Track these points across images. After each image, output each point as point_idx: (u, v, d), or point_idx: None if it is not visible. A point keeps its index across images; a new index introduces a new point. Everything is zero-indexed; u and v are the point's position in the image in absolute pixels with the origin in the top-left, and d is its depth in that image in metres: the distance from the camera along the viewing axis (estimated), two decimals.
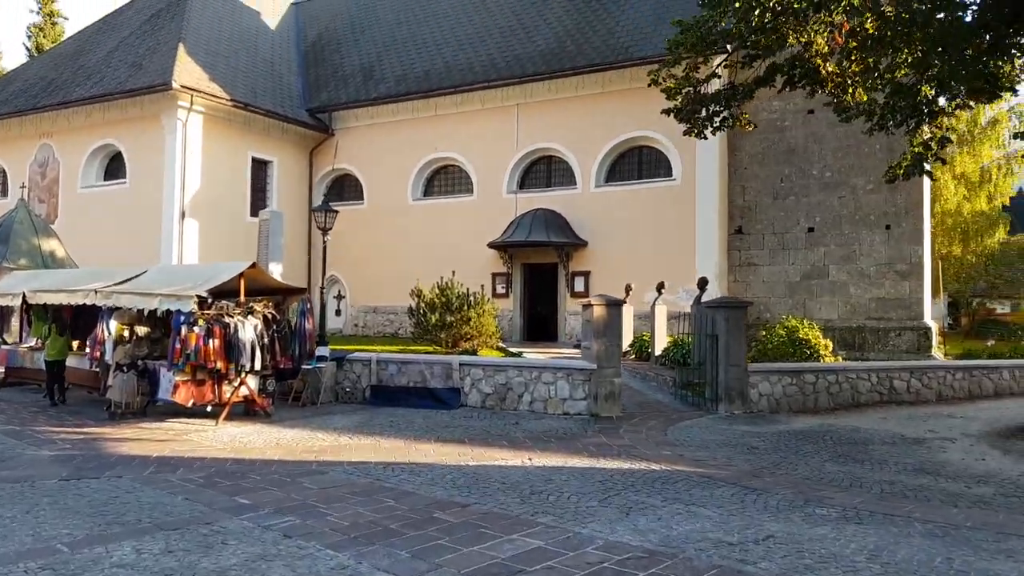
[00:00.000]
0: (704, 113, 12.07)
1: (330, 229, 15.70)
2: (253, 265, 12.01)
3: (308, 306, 12.83)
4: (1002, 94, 13.39)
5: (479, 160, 23.21)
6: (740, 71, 11.52)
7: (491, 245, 22.03)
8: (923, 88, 11.63)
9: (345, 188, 26.08)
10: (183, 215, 21.49)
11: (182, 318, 11.18)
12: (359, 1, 30.95)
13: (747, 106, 21.15)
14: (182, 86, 20.90)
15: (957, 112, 16.70)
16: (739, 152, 21.38)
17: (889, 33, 9.76)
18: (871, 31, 10.31)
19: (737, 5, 10.20)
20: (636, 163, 21.59)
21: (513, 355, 17.00)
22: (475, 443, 10.09)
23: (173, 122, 21.43)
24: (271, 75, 25.83)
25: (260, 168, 24.10)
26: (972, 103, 13.34)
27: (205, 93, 21.61)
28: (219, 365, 11.26)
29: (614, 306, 12.61)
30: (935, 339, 19.67)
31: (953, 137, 21.70)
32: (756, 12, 10.09)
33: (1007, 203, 40.00)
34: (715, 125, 12.30)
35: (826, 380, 13.97)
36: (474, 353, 16.62)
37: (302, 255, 24.82)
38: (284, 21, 29.99)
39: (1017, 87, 12.65)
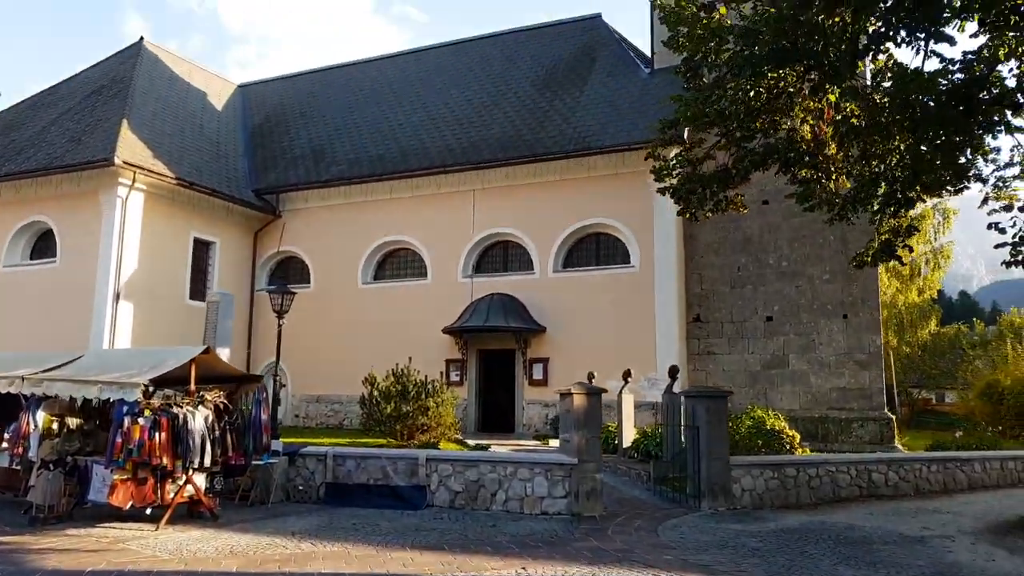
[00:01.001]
0: (703, 193, 11.86)
1: (286, 312, 14.73)
2: (207, 350, 10.96)
3: (264, 395, 11.76)
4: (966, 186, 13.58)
5: (434, 244, 22.69)
6: (731, 154, 11.36)
7: (446, 330, 21.28)
8: (899, 176, 11.72)
9: (290, 271, 25.08)
10: (117, 297, 20.12)
11: (125, 408, 10.02)
12: (308, 85, 30.83)
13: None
14: (124, 162, 19.92)
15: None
16: (695, 241, 21.48)
17: (884, 118, 9.75)
18: (856, 121, 10.32)
19: (731, 87, 10.11)
20: (594, 249, 21.41)
21: (473, 448, 16.04)
22: (456, 550, 9.10)
23: (112, 199, 20.31)
24: (217, 155, 25.06)
25: (202, 249, 22.99)
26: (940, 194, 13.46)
27: (148, 170, 20.64)
28: (164, 461, 10.05)
29: (595, 395, 11.95)
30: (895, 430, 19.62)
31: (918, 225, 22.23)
32: (752, 94, 9.99)
33: (935, 296, 41.64)
34: (709, 207, 12.08)
35: (807, 474, 13.49)
36: (435, 446, 15.61)
37: (243, 340, 23.54)
38: (231, 102, 29.48)
39: (978, 180, 12.90)
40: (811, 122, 10.72)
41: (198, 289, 22.42)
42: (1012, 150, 12.51)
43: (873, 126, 10.02)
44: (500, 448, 15.90)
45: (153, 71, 25.88)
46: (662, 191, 12.28)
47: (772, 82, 9.86)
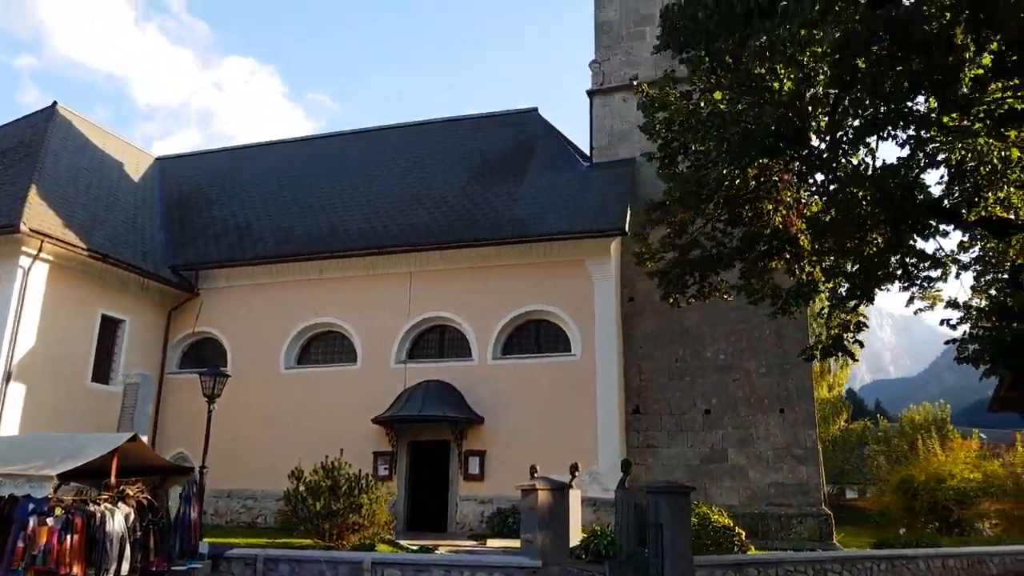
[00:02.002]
0: (691, 277, 11.62)
1: (218, 396, 13.43)
2: (134, 438, 9.63)
3: (194, 490, 10.42)
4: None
5: (366, 327, 21.68)
6: (715, 239, 11.24)
7: (377, 420, 20.08)
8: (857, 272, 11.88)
9: (205, 353, 23.41)
10: (8, 377, 18.11)
11: (31, 506, 8.57)
12: (231, 160, 29.82)
13: (642, 287, 21.50)
14: (32, 230, 18.31)
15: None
16: (634, 331, 21.35)
17: (863, 211, 9.82)
18: (832, 215, 10.40)
19: (719, 173, 10.03)
20: (534, 336, 20.93)
21: (418, 550, 14.80)
22: None
23: (13, 270, 18.55)
24: (133, 228, 23.55)
25: (110, 327, 21.18)
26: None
27: (58, 240, 19.04)
28: (75, 570, 8.58)
29: (560, 491, 11.23)
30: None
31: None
32: (738, 181, 9.92)
33: (843, 392, 43.10)
34: (692, 292, 11.84)
35: (767, 573, 12.99)
36: (370, 548, 14.30)
37: (148, 428, 21.52)
38: (148, 174, 28.04)
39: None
40: (783, 212, 10.76)
41: (103, 371, 20.54)
42: (935, 252, 12.95)
43: (850, 219, 10.10)
44: (440, 550, 14.73)
45: (66, 137, 24.38)
46: (651, 275, 11.99)
47: (758, 170, 9.83)
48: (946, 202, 10.97)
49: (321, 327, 22.47)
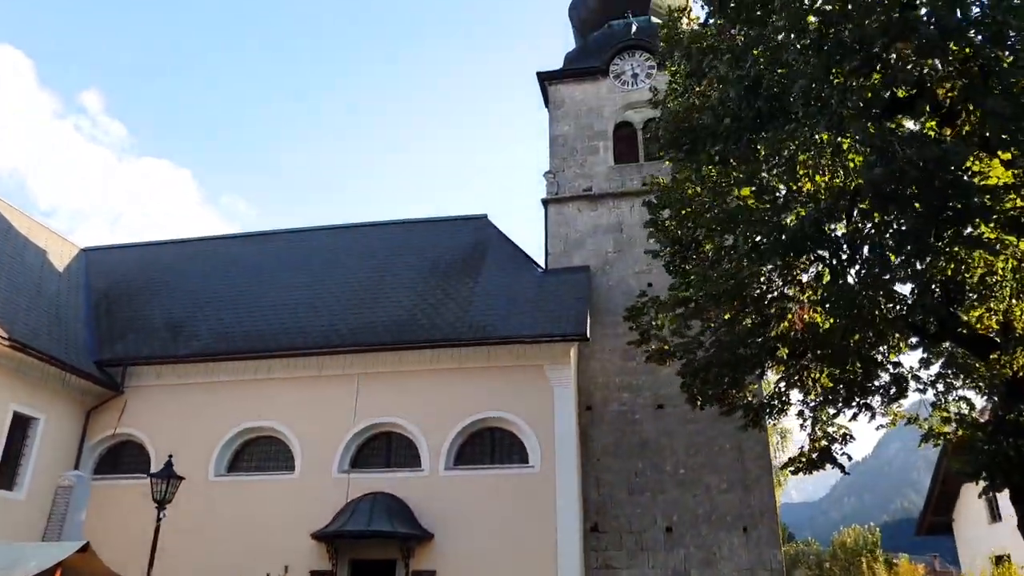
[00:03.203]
0: (718, 379, 11.16)
1: (169, 501, 11.95)
2: (85, 547, 8.23)
3: None
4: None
5: (306, 432, 20.25)
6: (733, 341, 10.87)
7: (317, 536, 18.41)
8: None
9: (124, 457, 21.40)
10: None
11: None
12: (163, 254, 28.46)
13: (599, 396, 20.99)
14: None
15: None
16: (592, 442, 20.66)
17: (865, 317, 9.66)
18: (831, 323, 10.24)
19: (748, 270, 9.73)
20: (490, 446, 19.93)
21: None
22: None
23: None
24: (57, 320, 21.84)
25: (21, 426, 19.14)
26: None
27: None
28: None
29: None
30: None
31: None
32: (763, 279, 9.67)
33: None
34: (713, 394, 11.36)
35: None
36: None
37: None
38: (74, 265, 26.44)
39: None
40: (791, 317, 10.56)
41: (7, 475, 18.34)
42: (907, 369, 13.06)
43: (852, 326, 9.95)
44: None
45: None
46: (681, 374, 11.52)
47: (781, 268, 9.64)
48: (924, 317, 11.02)
49: (257, 431, 20.91)
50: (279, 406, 20.74)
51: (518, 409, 19.61)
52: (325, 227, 28.42)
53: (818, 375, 12.06)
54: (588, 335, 19.55)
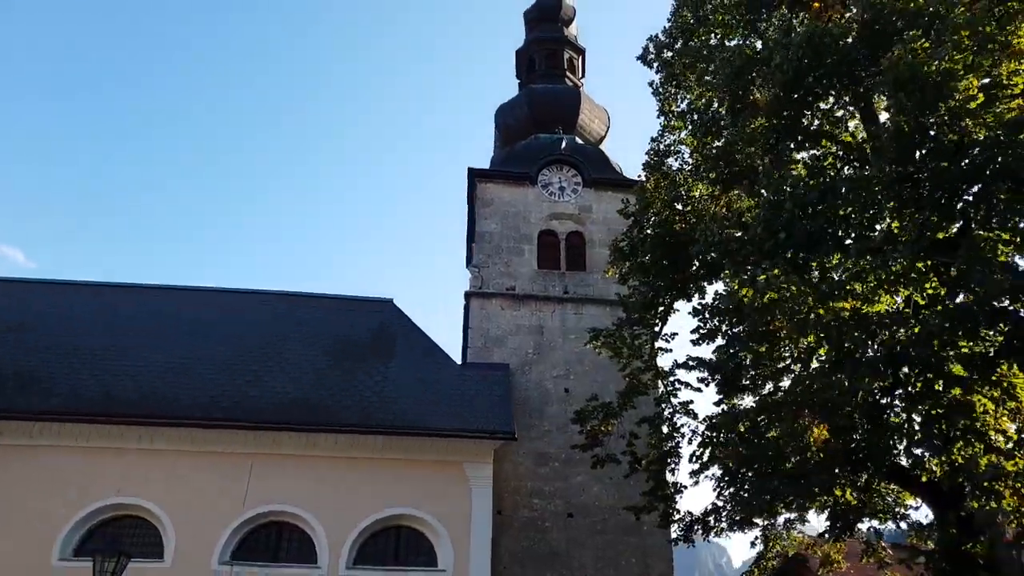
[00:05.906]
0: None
1: None
2: None
3: None
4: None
5: (183, 514, 17.57)
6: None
7: None
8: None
9: None
10: None
11: None
12: (12, 293, 24.74)
13: (509, 501, 20.15)
14: None
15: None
16: (498, 548, 19.48)
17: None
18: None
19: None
20: (394, 544, 18.18)
21: None
22: None
23: None
24: None
25: None
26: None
27: None
28: None
29: None
30: None
31: None
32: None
33: None
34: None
35: None
36: None
37: None
38: None
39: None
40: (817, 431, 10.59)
41: None
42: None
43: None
44: None
45: None
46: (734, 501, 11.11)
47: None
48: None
49: (120, 509, 17.91)
50: (151, 482, 18.00)
51: (431, 507, 18.21)
52: (217, 289, 25.92)
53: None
54: (516, 434, 18.80)
